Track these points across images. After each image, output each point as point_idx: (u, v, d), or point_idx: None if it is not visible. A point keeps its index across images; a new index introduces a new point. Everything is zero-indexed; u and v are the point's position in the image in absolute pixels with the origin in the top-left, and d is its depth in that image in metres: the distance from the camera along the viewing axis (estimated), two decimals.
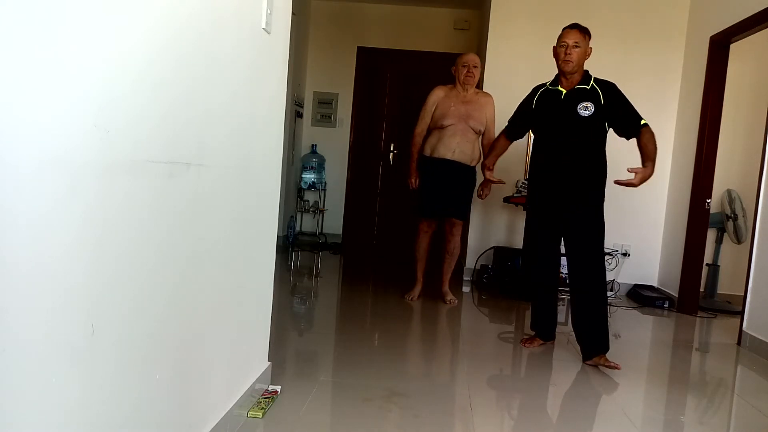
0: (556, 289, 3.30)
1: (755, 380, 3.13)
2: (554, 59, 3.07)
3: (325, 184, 6.42)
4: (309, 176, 6.32)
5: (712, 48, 4.37)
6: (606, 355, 2.93)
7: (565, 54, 2.96)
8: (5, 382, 0.90)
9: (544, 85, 3.18)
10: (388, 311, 3.90)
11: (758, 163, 3.69)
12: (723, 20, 4.21)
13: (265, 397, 2.17)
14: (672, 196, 4.87)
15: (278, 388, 2.27)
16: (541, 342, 3.24)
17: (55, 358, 1.00)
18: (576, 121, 2.96)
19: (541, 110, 3.13)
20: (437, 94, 3.99)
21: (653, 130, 2.95)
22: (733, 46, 4.29)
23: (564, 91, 3.03)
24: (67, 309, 1.02)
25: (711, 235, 4.71)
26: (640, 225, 4.97)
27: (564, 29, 3.03)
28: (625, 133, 3.02)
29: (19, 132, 0.88)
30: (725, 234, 4.89)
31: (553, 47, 3.08)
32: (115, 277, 1.16)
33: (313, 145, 6.43)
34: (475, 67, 3.91)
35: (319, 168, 6.36)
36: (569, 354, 3.17)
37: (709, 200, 4.40)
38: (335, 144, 6.59)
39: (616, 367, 2.86)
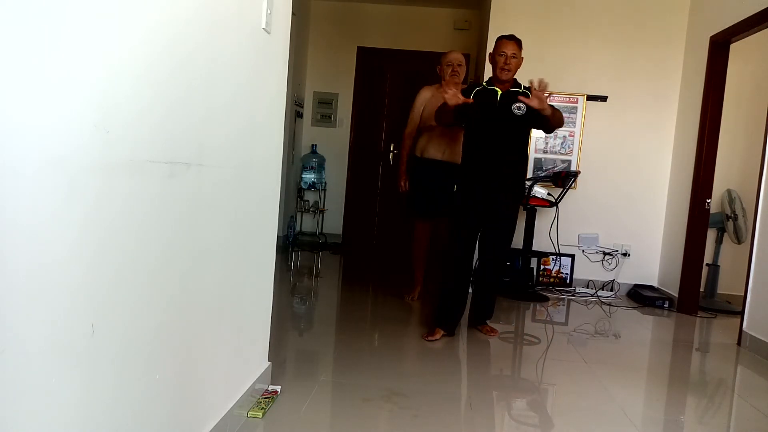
0: (469, 280, 3.42)
1: (755, 380, 3.13)
2: (491, 65, 3.30)
3: (325, 184, 6.42)
4: (309, 176, 6.32)
5: (712, 48, 4.37)
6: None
7: (505, 63, 3.21)
8: (5, 382, 0.90)
9: (480, 84, 3.43)
10: (388, 311, 3.90)
11: (758, 163, 3.69)
12: (723, 20, 4.21)
13: (265, 397, 2.17)
14: (672, 196, 4.87)
15: (278, 388, 2.27)
16: (445, 334, 3.28)
17: (55, 358, 1.00)
18: (510, 119, 3.19)
19: (478, 105, 3.28)
20: (424, 95, 3.99)
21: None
22: (733, 46, 4.29)
23: (500, 92, 3.26)
24: (67, 309, 1.02)
25: (711, 235, 4.71)
26: (640, 225, 4.97)
27: (501, 39, 3.26)
28: (544, 129, 3.33)
29: (20, 133, 0.88)
30: (725, 234, 4.89)
31: (489, 54, 3.32)
32: (116, 277, 1.16)
33: (313, 145, 6.43)
34: (460, 65, 3.91)
35: (319, 168, 6.35)
36: (569, 354, 3.17)
37: (709, 200, 4.40)
38: (335, 144, 6.59)
39: (495, 333, 3.36)
